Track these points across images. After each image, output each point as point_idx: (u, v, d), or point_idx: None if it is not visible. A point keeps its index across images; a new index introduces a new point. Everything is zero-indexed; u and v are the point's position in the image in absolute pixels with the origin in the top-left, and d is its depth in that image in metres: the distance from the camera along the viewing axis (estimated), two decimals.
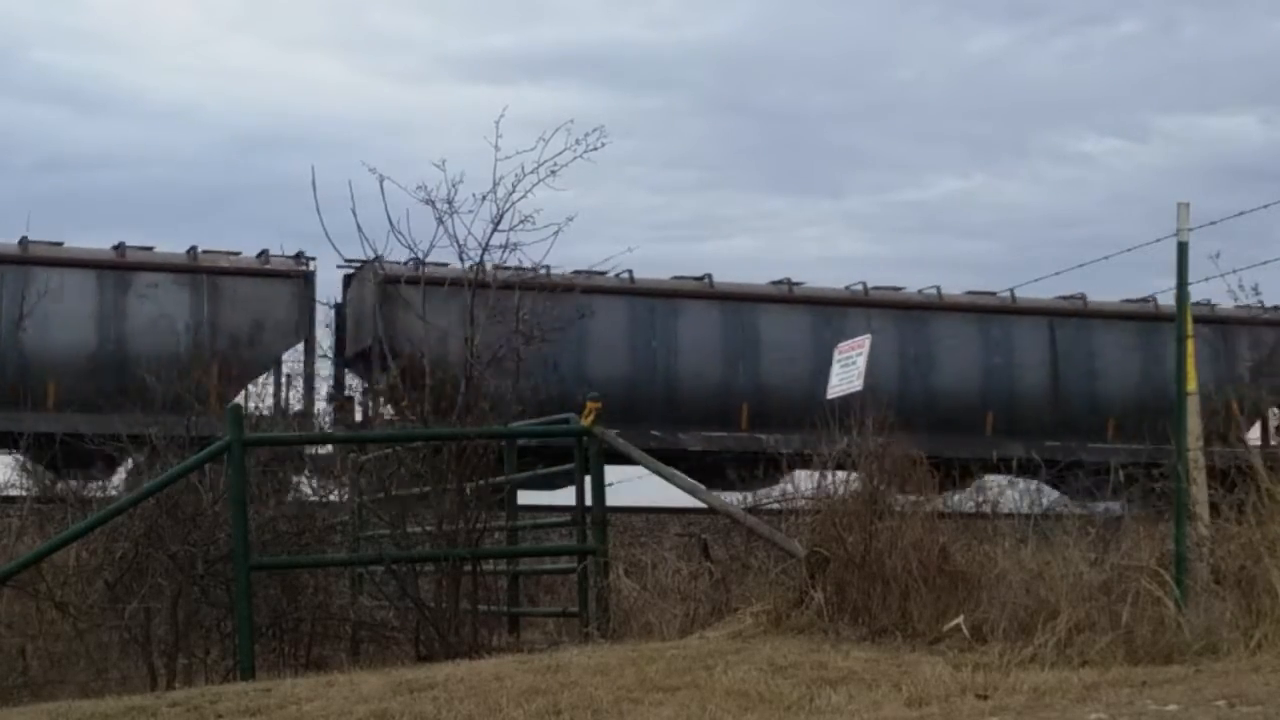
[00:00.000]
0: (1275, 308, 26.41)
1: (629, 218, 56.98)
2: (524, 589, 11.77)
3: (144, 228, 78.51)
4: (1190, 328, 7.50)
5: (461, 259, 11.27)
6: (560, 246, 11.18)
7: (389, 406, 18.90)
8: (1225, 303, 27.05)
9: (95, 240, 22.92)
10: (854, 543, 8.06)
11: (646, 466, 10.79)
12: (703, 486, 10.87)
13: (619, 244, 59.89)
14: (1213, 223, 7.80)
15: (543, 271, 11.83)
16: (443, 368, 11.14)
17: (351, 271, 23.05)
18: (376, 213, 11.05)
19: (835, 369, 9.91)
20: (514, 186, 10.81)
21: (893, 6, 61.50)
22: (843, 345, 10.13)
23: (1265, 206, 7.99)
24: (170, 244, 23.11)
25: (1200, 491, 7.39)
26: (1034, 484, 17.60)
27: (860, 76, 63.57)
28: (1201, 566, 7.17)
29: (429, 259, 11.32)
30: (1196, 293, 7.79)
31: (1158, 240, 7.79)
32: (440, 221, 11.01)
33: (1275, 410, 27.53)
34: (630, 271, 23.46)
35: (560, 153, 10.68)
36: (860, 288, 25.29)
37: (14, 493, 17.38)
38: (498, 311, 10.98)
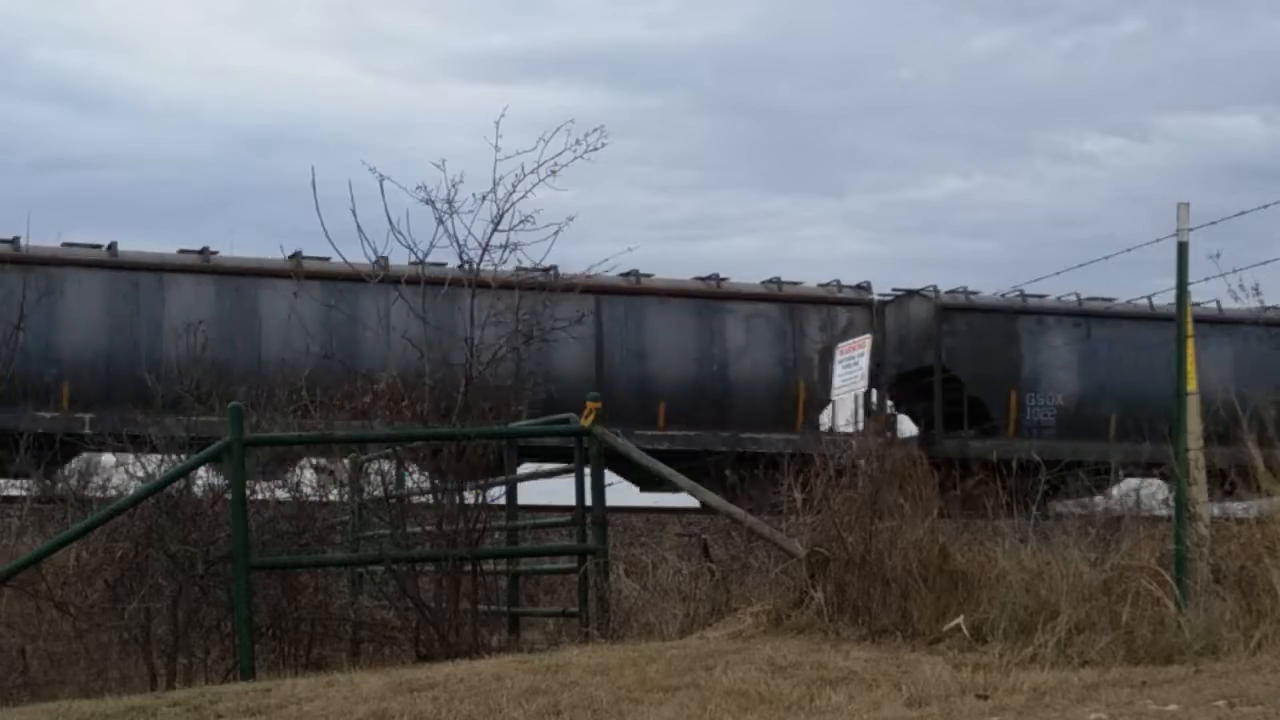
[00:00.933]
0: (857, 286, 25.82)
1: (630, 218, 57.07)
2: (524, 589, 11.76)
3: (144, 227, 78.50)
4: (1190, 327, 7.49)
5: (461, 259, 11.31)
6: (561, 246, 11.22)
7: None
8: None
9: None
10: (854, 543, 8.06)
11: (647, 466, 10.79)
12: (701, 487, 10.85)
13: (619, 244, 59.97)
14: (1213, 223, 7.81)
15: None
16: None
17: None
18: (377, 212, 11.09)
19: (838, 369, 9.93)
20: (514, 187, 10.83)
21: (894, 5, 61.64)
22: (843, 345, 10.14)
23: (1265, 207, 7.99)
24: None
25: (1200, 491, 7.39)
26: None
27: (861, 76, 63.67)
28: (1201, 566, 7.17)
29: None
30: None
31: (1158, 240, 7.79)
32: (440, 221, 11.04)
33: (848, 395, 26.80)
34: (115, 244, 22.18)
35: (560, 153, 10.69)
36: (380, 264, 24.04)
37: (14, 492, 17.40)
38: None
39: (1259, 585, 6.87)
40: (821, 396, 25.34)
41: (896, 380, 26.67)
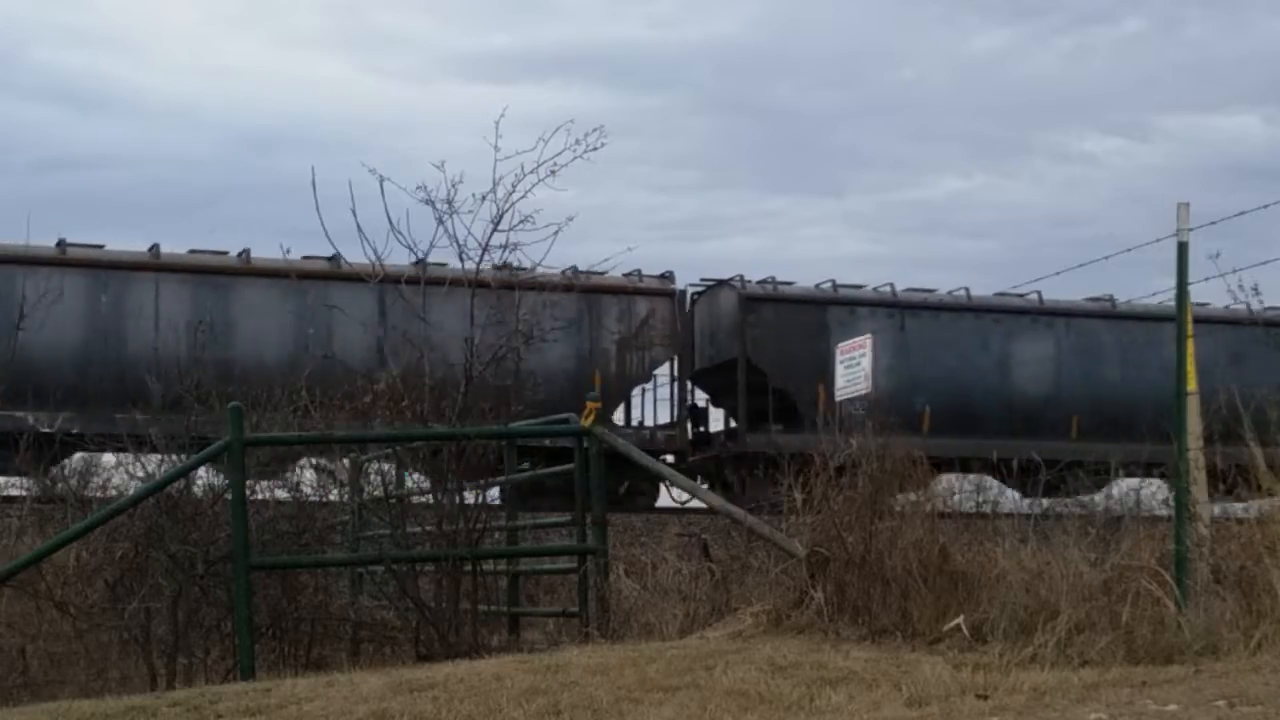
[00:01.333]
0: (660, 275, 25.02)
1: (630, 217, 57.11)
2: (524, 589, 11.76)
3: (145, 227, 78.53)
4: (1190, 327, 7.48)
5: (461, 259, 11.32)
6: (561, 246, 11.22)
7: None
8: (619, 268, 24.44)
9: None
10: (854, 543, 8.06)
11: (648, 466, 10.79)
12: (701, 487, 10.84)
13: (620, 244, 59.96)
14: (1212, 223, 7.82)
15: None
16: None
17: None
18: (378, 212, 11.10)
19: (840, 370, 9.91)
20: (513, 187, 10.83)
21: (895, 5, 61.68)
22: (844, 345, 10.11)
23: (1265, 207, 8.01)
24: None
25: (1200, 491, 7.39)
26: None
27: (862, 75, 63.68)
28: (1202, 566, 7.17)
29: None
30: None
31: (1158, 240, 7.80)
32: (440, 222, 11.04)
33: (647, 387, 25.65)
34: None
35: (560, 153, 10.69)
36: (152, 251, 23.04)
37: (14, 492, 17.41)
38: None
39: (1259, 585, 6.87)
40: (619, 388, 24.76)
41: (708, 373, 26.10)
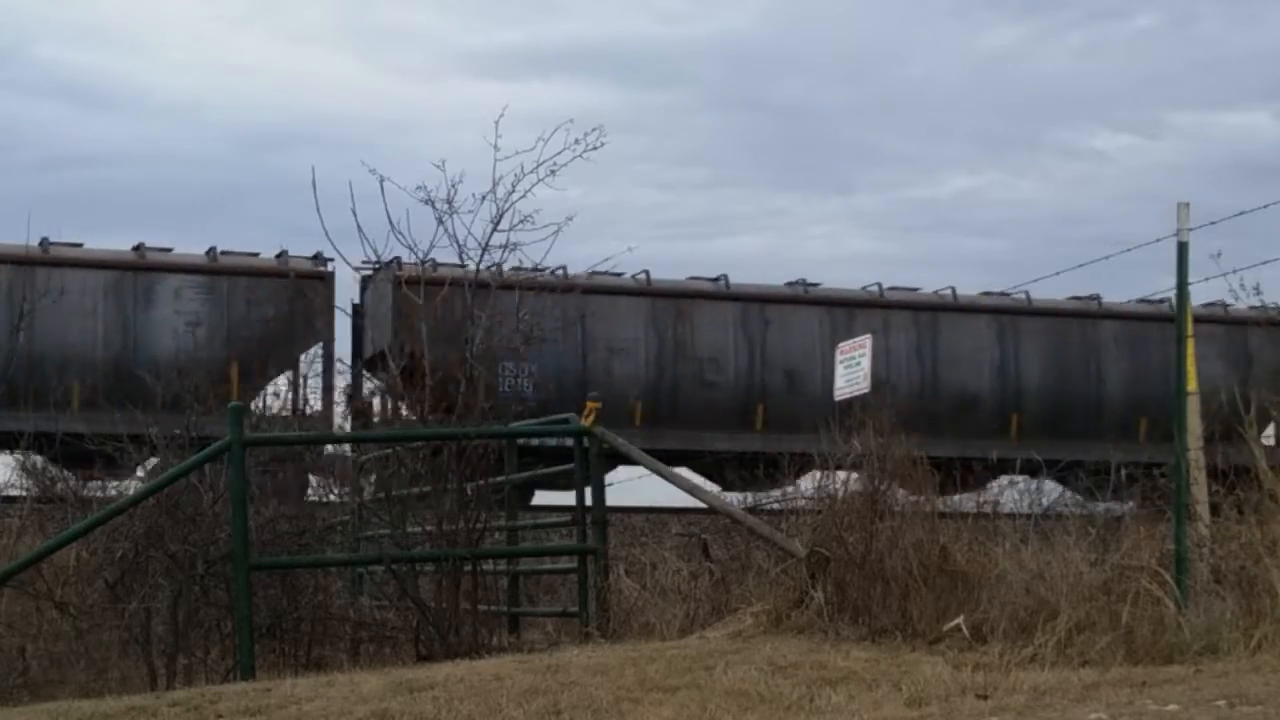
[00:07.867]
0: (311, 257, 23.13)
1: (636, 216, 56.94)
2: (524, 589, 11.76)
3: (148, 226, 78.52)
4: (1190, 327, 7.48)
5: (461, 259, 11.33)
6: (566, 245, 11.20)
7: None
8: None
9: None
10: (854, 543, 8.06)
11: (647, 466, 10.78)
12: (702, 487, 10.84)
13: (625, 242, 59.81)
14: (1213, 222, 7.81)
15: None
16: None
17: None
18: (382, 211, 11.10)
19: (839, 370, 9.91)
20: (513, 186, 10.83)
21: (906, 0, 61.36)
22: (844, 345, 10.11)
23: (1265, 207, 8.01)
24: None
25: (1200, 491, 7.39)
26: None
27: (871, 72, 63.37)
28: (1202, 566, 7.18)
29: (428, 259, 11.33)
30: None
31: (1158, 240, 7.79)
32: (440, 221, 11.04)
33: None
34: None
35: (559, 152, 10.70)
36: None
37: (14, 492, 17.40)
38: None
39: (1259, 585, 6.87)
40: (260, 376, 23.09)
41: (375, 362, 23.92)
